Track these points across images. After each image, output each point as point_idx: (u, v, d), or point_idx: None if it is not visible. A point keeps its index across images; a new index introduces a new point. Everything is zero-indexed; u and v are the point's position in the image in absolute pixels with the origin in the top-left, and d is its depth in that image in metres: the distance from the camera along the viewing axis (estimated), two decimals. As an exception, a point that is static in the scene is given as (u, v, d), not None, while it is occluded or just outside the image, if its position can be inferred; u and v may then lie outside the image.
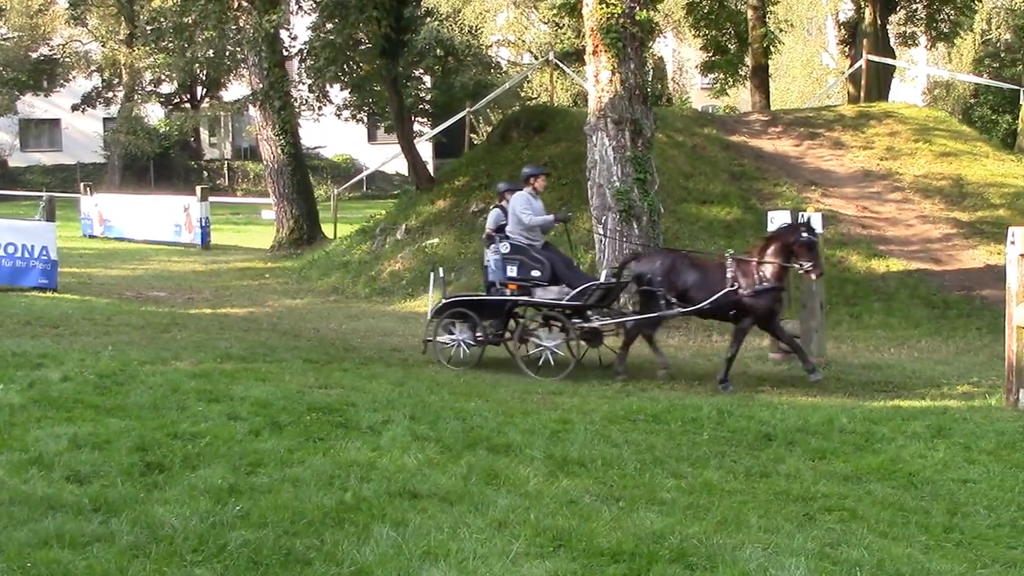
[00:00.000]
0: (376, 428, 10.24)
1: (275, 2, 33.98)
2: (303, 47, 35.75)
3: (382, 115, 51.00)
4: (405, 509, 7.67)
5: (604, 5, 21.88)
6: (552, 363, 16.95)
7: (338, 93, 40.59)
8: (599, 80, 22.40)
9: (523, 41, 71.62)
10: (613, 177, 22.17)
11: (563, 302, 16.94)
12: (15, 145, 72.03)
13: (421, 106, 62.59)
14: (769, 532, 7.69)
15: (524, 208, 17.42)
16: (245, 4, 33.77)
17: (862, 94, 40.26)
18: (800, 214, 18.39)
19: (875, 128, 33.30)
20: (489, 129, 47.82)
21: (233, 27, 34.89)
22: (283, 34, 36.82)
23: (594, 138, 22.45)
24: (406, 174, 49.95)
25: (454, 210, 29.77)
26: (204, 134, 75.77)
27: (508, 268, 17.33)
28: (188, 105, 71.23)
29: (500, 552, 6.82)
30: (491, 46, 71.09)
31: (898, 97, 50.69)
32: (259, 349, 16.64)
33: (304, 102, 38.59)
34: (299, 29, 37.77)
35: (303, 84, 38.47)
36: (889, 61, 41.64)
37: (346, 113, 44.24)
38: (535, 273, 17.17)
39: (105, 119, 70.91)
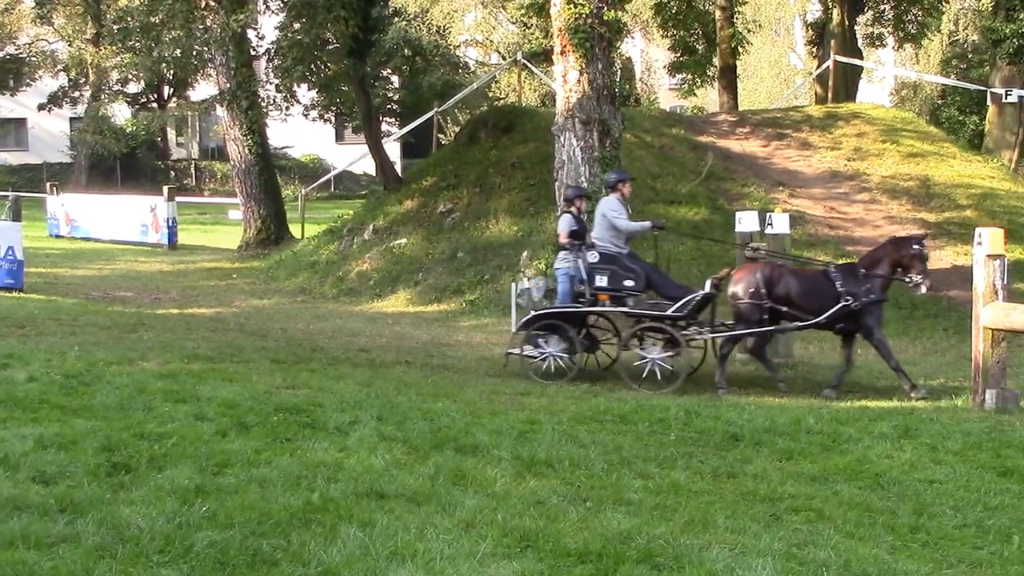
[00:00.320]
0: (343, 429, 10.21)
1: (242, 1, 33.89)
2: (270, 47, 35.65)
3: (350, 115, 50.87)
4: (372, 509, 7.65)
5: (572, 5, 21.89)
6: (659, 376, 16.20)
7: (306, 93, 40.43)
8: (567, 80, 22.40)
9: (491, 41, 71.64)
10: (581, 177, 22.16)
11: (668, 313, 16.48)
12: (-19, 145, 71.83)
13: (389, 106, 62.59)
14: (736, 532, 7.70)
15: (619, 213, 17.11)
16: (212, 3, 33.67)
17: (830, 95, 40.35)
18: (768, 214, 18.43)
19: (842, 129, 33.38)
20: (457, 129, 47.79)
21: (200, 26, 34.76)
22: (250, 34, 36.70)
23: (562, 138, 22.45)
24: (374, 174, 49.88)
25: (422, 210, 29.74)
26: (171, 134, 75.51)
27: (597, 278, 16.73)
28: (155, 105, 71.03)
29: (467, 552, 6.81)
30: (459, 46, 71.10)
31: (866, 98, 50.84)
32: (226, 349, 16.57)
33: (271, 102, 38.42)
34: (267, 29, 37.67)
35: (270, 84, 38.33)
36: (857, 62, 41.76)
37: (314, 113, 44.10)
38: (628, 283, 16.67)
39: (72, 119, 70.68)
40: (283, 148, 64.60)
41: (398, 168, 43.25)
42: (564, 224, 17.62)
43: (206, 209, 54.35)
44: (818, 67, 44.55)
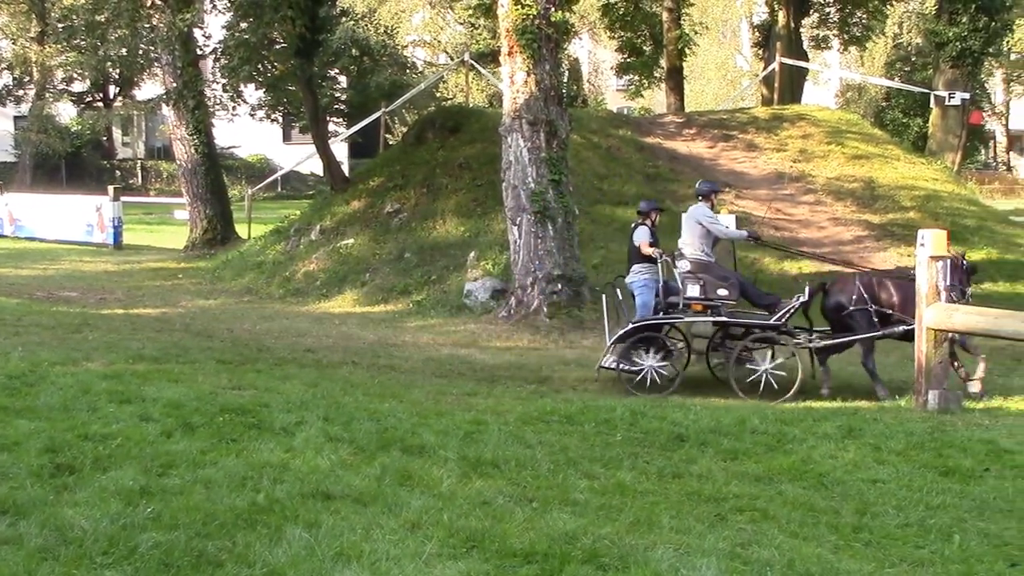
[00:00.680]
0: (289, 429, 10.18)
1: (189, 0, 33.74)
2: (217, 46, 35.46)
3: (297, 115, 50.72)
4: (318, 510, 7.63)
5: (519, 6, 21.93)
6: (776, 385, 16.14)
7: (253, 93, 40.25)
8: (514, 81, 22.44)
9: (439, 41, 71.70)
10: (528, 178, 22.22)
11: (771, 322, 16.53)
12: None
13: (336, 106, 62.43)
14: (681, 532, 7.73)
15: (716, 220, 17.10)
16: (159, 2, 33.51)
17: (775, 96, 40.57)
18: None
19: (788, 130, 33.56)
20: (404, 130, 47.77)
21: (146, 25, 34.60)
22: (197, 33, 36.49)
23: (509, 139, 22.48)
24: (321, 174, 49.75)
25: (369, 211, 29.70)
26: (117, 133, 74.96)
27: (689, 287, 16.58)
28: (101, 104, 70.55)
29: (413, 553, 6.81)
30: (407, 46, 71.08)
31: (811, 100, 51.14)
32: (172, 350, 16.50)
33: (218, 101, 38.22)
34: (213, 28, 37.47)
35: (217, 83, 38.17)
36: (802, 64, 41.97)
37: (260, 113, 43.87)
38: (722, 292, 16.56)
39: (16, 117, 70.04)
40: (230, 148, 64.26)
41: (345, 168, 43.15)
42: (643, 235, 17.34)
43: (152, 209, 54.01)
44: (764, 69, 44.80)
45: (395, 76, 63.58)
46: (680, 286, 16.73)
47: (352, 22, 59.68)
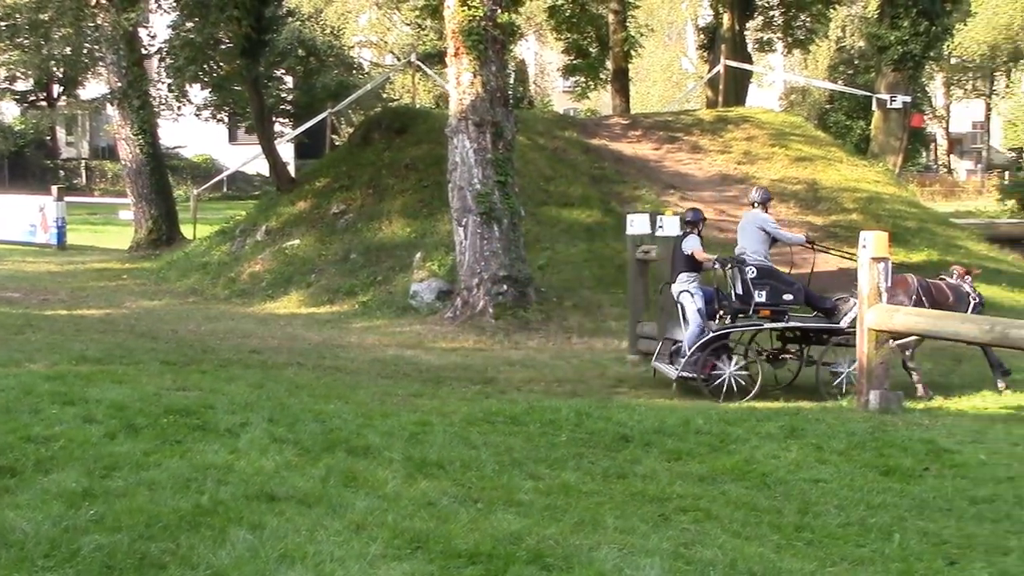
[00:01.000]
0: (234, 430, 10.14)
1: (134, 0, 33.58)
2: (163, 46, 35.36)
3: (243, 115, 50.63)
4: (262, 512, 7.60)
5: (465, 7, 21.97)
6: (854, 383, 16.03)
7: (198, 93, 40.21)
8: (460, 82, 22.48)
9: (385, 42, 71.63)
10: (474, 179, 22.26)
11: (844, 327, 16.52)
12: None
13: (282, 107, 62.26)
14: (625, 533, 7.76)
15: (779, 226, 17.30)
16: (103, 1, 33.34)
17: (720, 99, 40.72)
18: (658, 217, 18.61)
19: (733, 132, 33.70)
20: (351, 130, 47.68)
21: (91, 24, 34.44)
22: (142, 32, 36.38)
23: (455, 140, 22.51)
24: (267, 175, 49.60)
25: (315, 211, 29.65)
26: (61, 133, 74.44)
27: (757, 293, 16.57)
28: (44, 103, 70.02)
29: (358, 554, 6.80)
30: (353, 47, 70.96)
31: (755, 102, 51.38)
32: (116, 351, 16.42)
33: (163, 101, 38.09)
34: (159, 27, 37.33)
35: (162, 83, 38.04)
36: (747, 66, 42.17)
37: (206, 113, 43.85)
38: (788, 297, 16.65)
39: (-41, 116, 69.59)
40: (175, 148, 63.98)
41: (291, 169, 43.03)
42: (695, 243, 17.20)
43: (96, 209, 53.67)
44: (709, 71, 44.95)
45: (341, 77, 63.38)
46: (736, 292, 16.75)
47: (298, 22, 59.50)
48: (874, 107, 40.14)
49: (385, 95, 63.54)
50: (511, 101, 24.25)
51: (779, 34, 46.52)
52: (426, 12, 44.16)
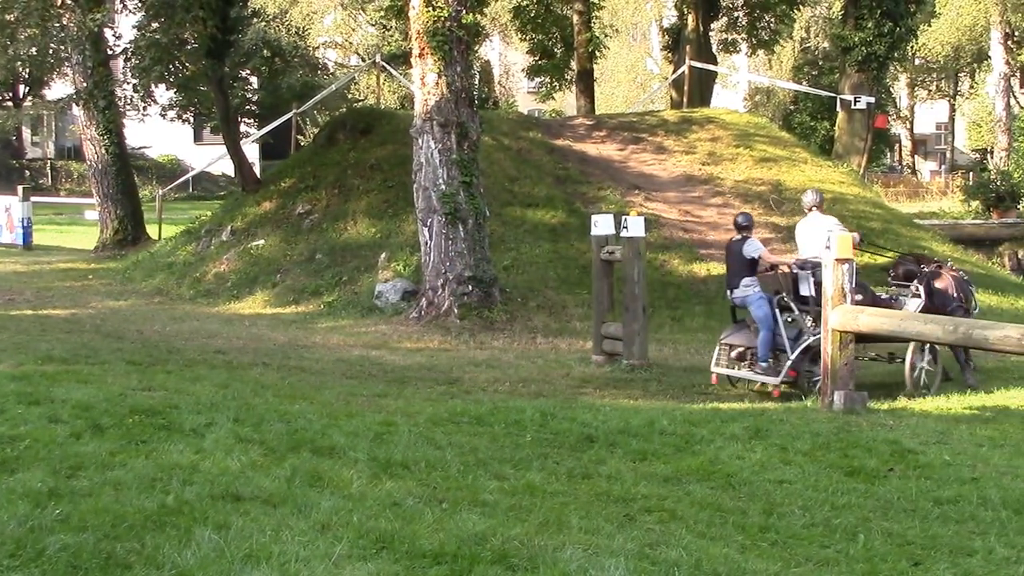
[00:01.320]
0: (199, 430, 10.12)
1: (99, 0, 33.45)
2: (128, 46, 35.22)
3: (208, 116, 50.43)
4: (228, 512, 7.57)
5: (430, 8, 21.97)
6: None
7: (163, 93, 40.04)
8: (425, 83, 22.48)
9: (350, 43, 71.51)
10: (439, 180, 22.27)
11: None
12: None
13: (248, 107, 62.07)
14: (590, 533, 7.76)
15: (843, 227, 17.26)
16: (69, 2, 33.19)
17: (685, 100, 40.88)
18: (623, 218, 18.63)
19: (697, 133, 33.80)
20: (316, 131, 47.63)
21: (56, 25, 34.25)
22: (108, 33, 36.24)
23: (420, 141, 22.52)
24: (232, 175, 49.47)
25: (280, 212, 29.60)
26: (26, 133, 74.09)
27: None
28: (10, 103, 69.64)
29: (323, 554, 6.78)
30: (318, 47, 70.82)
31: (720, 103, 51.51)
32: (81, 351, 16.36)
33: (129, 102, 37.95)
34: (124, 28, 37.21)
35: (128, 83, 37.90)
36: (711, 67, 42.31)
37: (172, 113, 43.62)
38: (859, 297, 16.07)
39: (-79, 116, 69.13)
40: (140, 148, 63.74)
41: (257, 169, 42.99)
42: (760, 247, 17.53)
43: (62, 209, 53.46)
44: (674, 72, 45.10)
45: (307, 77, 63.29)
46: (807, 295, 16.83)
47: (264, 23, 59.32)
48: (838, 108, 40.31)
49: (350, 96, 63.47)
50: (476, 102, 24.26)
51: (743, 35, 46.65)
52: (391, 13, 44.22)
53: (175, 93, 40.40)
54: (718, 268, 24.90)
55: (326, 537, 7.12)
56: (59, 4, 33.35)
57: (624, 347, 18.16)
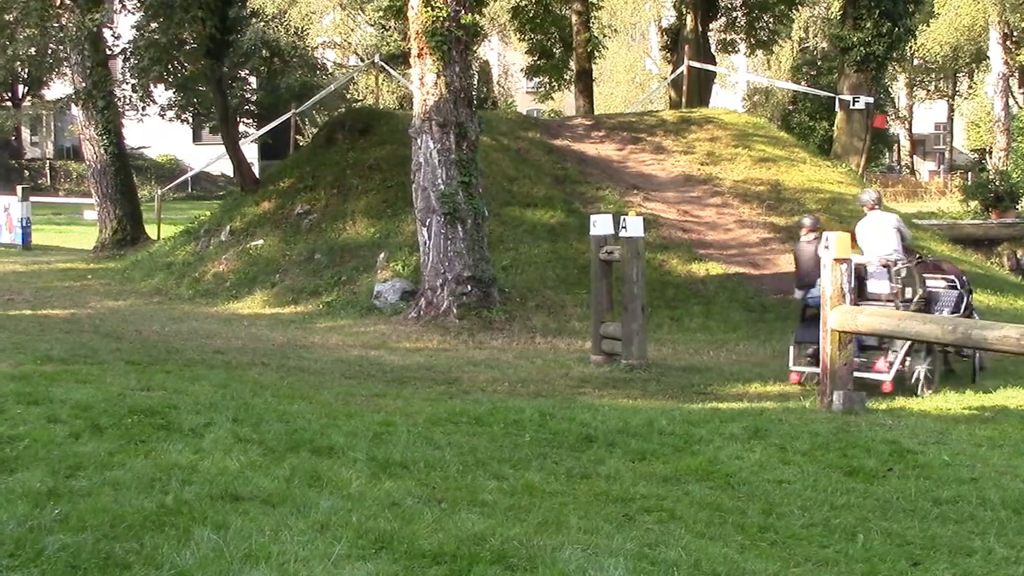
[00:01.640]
0: (198, 430, 10.12)
1: (98, 0, 33.43)
2: (127, 46, 35.18)
3: (207, 116, 50.36)
4: (227, 512, 7.57)
5: (429, 8, 21.96)
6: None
7: (162, 93, 39.92)
8: (424, 83, 22.47)
9: (349, 43, 71.47)
10: (438, 180, 22.26)
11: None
12: None
13: (246, 107, 61.96)
14: (589, 533, 7.76)
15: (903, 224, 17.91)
16: (68, 2, 33.15)
17: (684, 100, 40.88)
18: (622, 217, 18.62)
19: (696, 133, 33.80)
20: (314, 131, 47.63)
21: (55, 25, 34.22)
22: (106, 33, 36.20)
23: (419, 141, 22.51)
24: (231, 175, 49.45)
25: (279, 212, 29.58)
26: (25, 133, 74.09)
27: (907, 292, 17.09)
28: (9, 103, 69.63)
29: (322, 554, 6.78)
30: (317, 48, 70.79)
31: (719, 103, 51.63)
32: (80, 351, 16.35)
33: (128, 102, 37.88)
34: (123, 28, 37.18)
35: (127, 84, 37.86)
36: (710, 67, 42.31)
37: (170, 113, 43.47)
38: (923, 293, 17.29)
39: (-79, 117, 69.10)
40: (139, 148, 63.72)
41: (255, 169, 42.92)
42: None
43: (61, 209, 53.44)
44: (672, 72, 45.09)
45: (305, 77, 63.23)
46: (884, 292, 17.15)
47: (262, 23, 59.31)
48: (837, 108, 40.27)
49: (349, 96, 63.51)
50: (475, 102, 24.25)
51: (742, 35, 46.66)
52: (390, 13, 44.25)
53: (174, 93, 40.29)
54: (717, 268, 24.94)
55: (325, 537, 7.12)
56: (58, 4, 33.32)
57: (623, 347, 18.15)
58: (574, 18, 42.26)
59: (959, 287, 17.63)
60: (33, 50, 39.72)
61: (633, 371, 17.59)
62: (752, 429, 11.91)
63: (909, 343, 16.07)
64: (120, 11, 37.09)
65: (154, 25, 32.15)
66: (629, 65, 77.75)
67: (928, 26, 67.99)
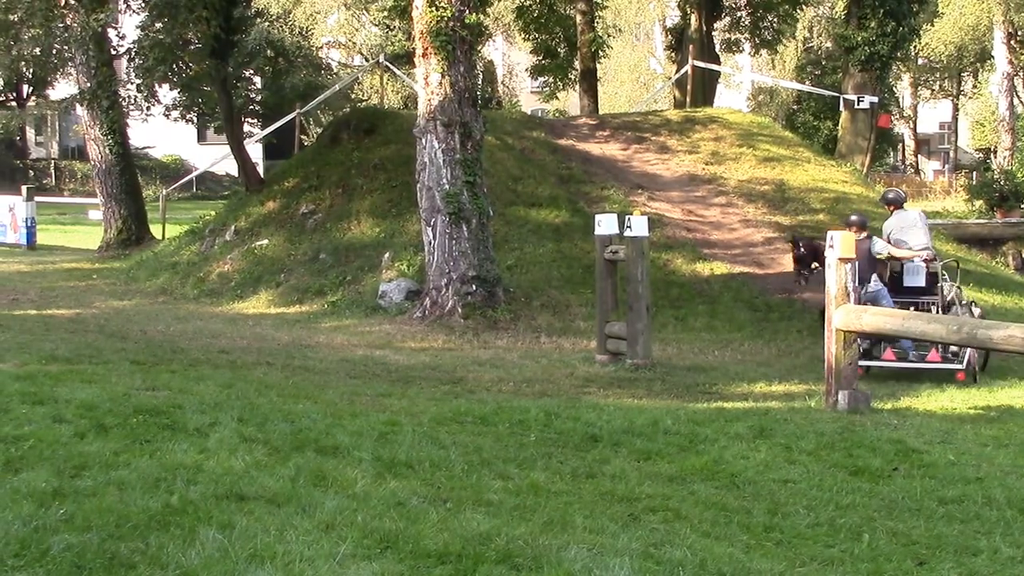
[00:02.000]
0: (203, 430, 10.11)
1: (103, 0, 33.44)
2: (131, 46, 35.21)
3: (212, 116, 50.41)
4: (232, 511, 7.56)
5: (433, 8, 21.96)
6: None
7: (167, 93, 40.04)
8: (429, 83, 22.47)
9: (354, 43, 71.45)
10: (443, 179, 22.26)
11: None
12: None
13: (251, 107, 62.03)
14: (594, 532, 7.75)
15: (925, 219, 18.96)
16: (72, 2, 33.17)
17: (688, 99, 40.84)
18: (626, 217, 18.61)
19: (700, 133, 33.78)
20: (319, 131, 47.59)
21: (60, 25, 34.26)
22: (111, 33, 36.26)
23: (424, 140, 22.51)
24: (236, 175, 49.49)
25: (284, 211, 29.59)
26: (30, 133, 74.11)
27: (946, 286, 18.24)
28: (14, 103, 69.66)
29: (327, 554, 6.77)
30: (322, 47, 70.78)
31: (723, 102, 51.49)
32: (85, 351, 16.35)
33: (132, 102, 37.99)
34: (128, 28, 37.20)
35: (131, 83, 37.91)
36: (714, 67, 42.29)
37: (175, 113, 43.60)
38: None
39: (-73, 117, 69.13)
40: (144, 148, 63.78)
41: (260, 169, 43.00)
42: (886, 245, 18.60)
43: (66, 209, 53.47)
44: (677, 72, 45.06)
45: (310, 77, 63.25)
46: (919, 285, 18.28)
47: (267, 23, 59.27)
48: (841, 107, 40.31)
49: (354, 96, 63.46)
50: (479, 101, 24.26)
51: (746, 35, 46.63)
52: (394, 13, 44.11)
53: (179, 93, 40.41)
54: (721, 267, 24.92)
55: (330, 537, 7.12)
56: (63, 4, 33.34)
57: (628, 347, 18.14)
58: (578, 18, 42.21)
59: None
60: (38, 50, 39.84)
61: (638, 371, 17.59)
62: (757, 429, 11.90)
63: None
64: (125, 11, 37.11)
65: (159, 25, 32.16)
66: (633, 65, 77.61)
67: (932, 25, 67.87)
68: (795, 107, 67.33)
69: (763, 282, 24.78)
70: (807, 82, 60.67)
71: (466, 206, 22.27)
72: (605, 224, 19.10)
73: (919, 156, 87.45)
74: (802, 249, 19.76)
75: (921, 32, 52.53)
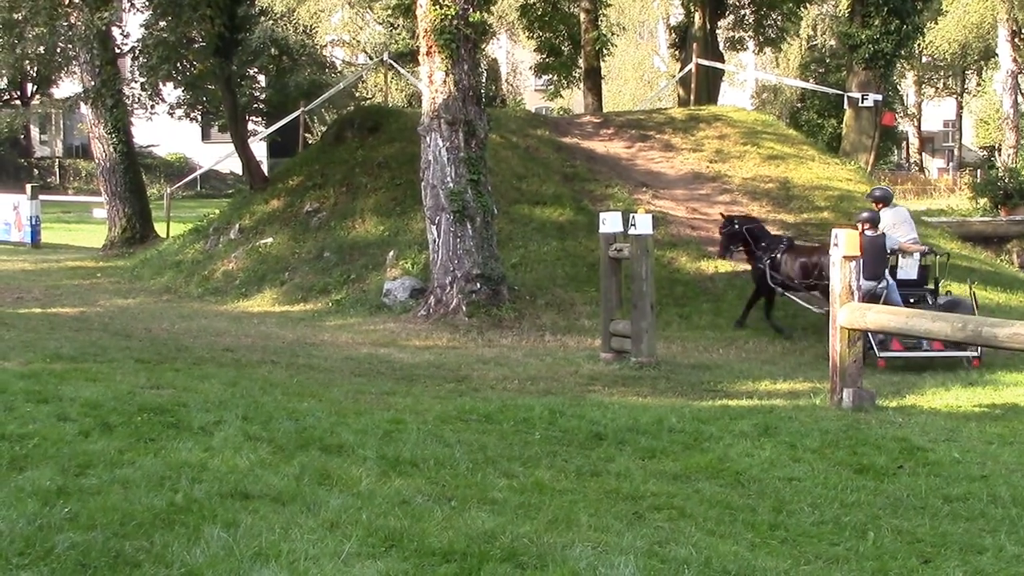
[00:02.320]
0: (208, 429, 10.12)
1: (107, -1, 33.48)
2: (136, 45, 35.20)
3: (216, 114, 50.51)
4: (236, 510, 7.57)
5: (437, 6, 21.96)
6: None
7: (171, 91, 40.08)
8: (433, 81, 22.47)
9: (358, 41, 71.54)
10: (447, 178, 22.26)
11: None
12: None
13: (255, 105, 62.17)
14: (599, 531, 7.76)
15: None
16: (77, 1, 33.19)
17: (692, 97, 40.77)
18: (631, 215, 18.60)
19: (705, 131, 33.73)
20: (323, 129, 47.61)
21: (64, 23, 34.25)
22: (115, 31, 36.22)
23: (428, 139, 22.51)
24: (240, 173, 49.50)
25: (288, 210, 29.60)
26: (35, 131, 74.19)
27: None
28: (18, 102, 69.75)
29: (332, 552, 6.78)
30: (326, 46, 70.92)
31: (727, 100, 51.55)
32: (90, 349, 16.36)
33: (136, 100, 37.99)
34: (132, 26, 37.20)
35: (136, 82, 37.91)
36: (718, 65, 42.25)
37: (179, 112, 43.62)
38: None
39: (-69, 115, 69.20)
40: (148, 146, 63.82)
41: (264, 167, 42.98)
42: (897, 239, 19.39)
43: (70, 208, 53.54)
44: (681, 70, 45.00)
45: (314, 75, 63.39)
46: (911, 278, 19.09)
47: (271, 21, 59.42)
48: (845, 105, 40.24)
49: (358, 94, 63.53)
50: (483, 100, 24.27)
51: (750, 32, 46.58)
52: (398, 11, 44.19)
53: (183, 91, 40.42)
54: (725, 265, 24.87)
55: (335, 535, 7.12)
56: (67, 3, 33.33)
57: (632, 345, 18.13)
58: (582, 16, 42.20)
59: None
60: (42, 49, 39.78)
61: (642, 369, 17.57)
62: (762, 426, 11.90)
63: None
64: (129, 9, 37.11)
65: (163, 23, 32.19)
66: (638, 63, 77.66)
67: (936, 23, 67.81)
68: (799, 105, 67.32)
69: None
70: (811, 80, 60.66)
71: (470, 204, 22.26)
72: (609, 222, 19.09)
73: (923, 154, 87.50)
74: (736, 226, 21.66)
75: (925, 30, 52.39)
